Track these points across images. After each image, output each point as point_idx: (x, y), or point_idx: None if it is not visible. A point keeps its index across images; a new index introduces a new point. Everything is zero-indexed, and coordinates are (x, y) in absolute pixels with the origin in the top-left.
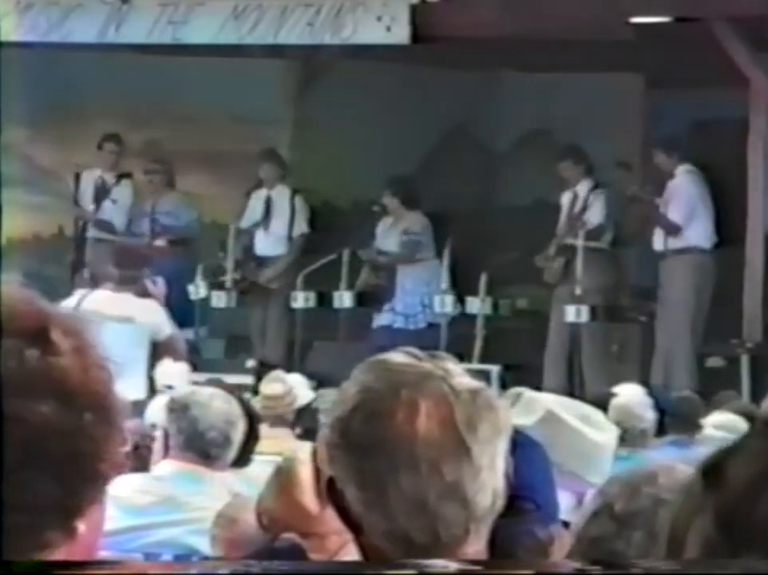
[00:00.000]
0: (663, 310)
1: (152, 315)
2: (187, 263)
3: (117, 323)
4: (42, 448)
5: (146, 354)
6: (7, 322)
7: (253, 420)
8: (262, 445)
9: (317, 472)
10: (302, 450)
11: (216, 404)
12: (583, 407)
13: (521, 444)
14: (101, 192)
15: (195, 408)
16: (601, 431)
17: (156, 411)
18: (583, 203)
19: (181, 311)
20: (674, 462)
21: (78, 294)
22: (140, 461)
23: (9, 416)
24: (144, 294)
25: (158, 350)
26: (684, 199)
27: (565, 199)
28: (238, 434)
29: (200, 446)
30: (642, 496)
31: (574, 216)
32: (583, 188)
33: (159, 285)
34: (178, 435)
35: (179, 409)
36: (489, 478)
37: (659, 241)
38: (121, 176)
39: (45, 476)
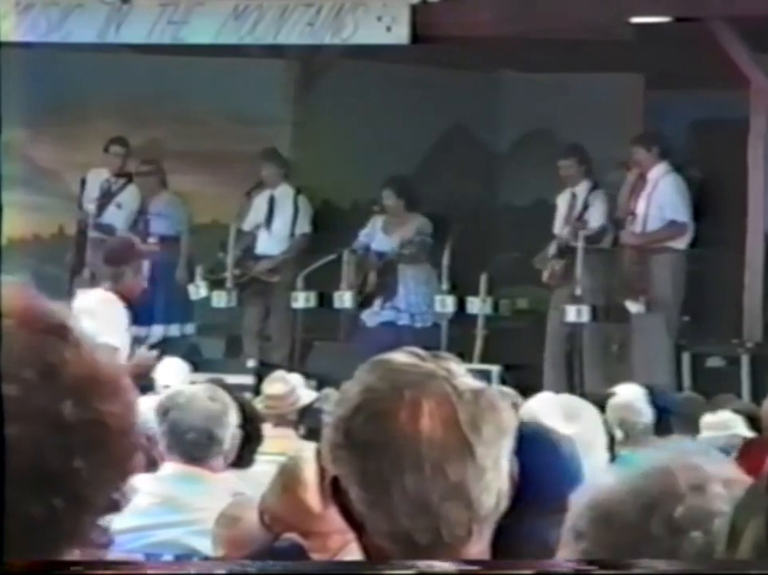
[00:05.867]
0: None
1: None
2: (176, 262)
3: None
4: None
5: None
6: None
7: (254, 420)
8: (265, 445)
9: (321, 471)
10: (307, 450)
11: (197, 404)
12: (558, 399)
13: (529, 437)
14: (106, 195)
15: (175, 411)
16: (566, 424)
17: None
18: (583, 204)
19: (180, 309)
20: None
21: (78, 294)
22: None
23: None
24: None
25: None
26: (660, 197)
27: (562, 199)
28: (226, 432)
29: (183, 448)
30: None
31: (575, 217)
32: (582, 188)
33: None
34: (163, 438)
35: (161, 412)
36: (494, 479)
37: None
38: (122, 176)
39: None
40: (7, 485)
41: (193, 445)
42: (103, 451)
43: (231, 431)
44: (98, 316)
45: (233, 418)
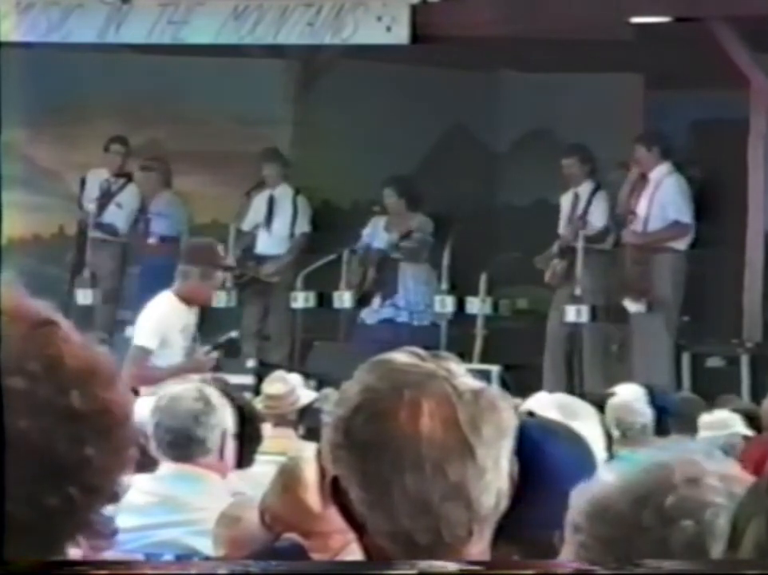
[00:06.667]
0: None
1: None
2: (176, 262)
3: None
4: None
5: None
6: (51, 368)
7: (254, 420)
8: (265, 444)
9: (321, 471)
10: (307, 450)
11: (180, 405)
12: (555, 399)
13: (530, 434)
14: (106, 195)
15: (157, 413)
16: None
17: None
18: (586, 204)
19: None
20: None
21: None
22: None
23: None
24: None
25: None
26: (663, 198)
27: (566, 200)
28: (208, 432)
29: (165, 449)
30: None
31: (577, 218)
32: (585, 189)
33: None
34: (151, 438)
35: (151, 413)
36: (494, 479)
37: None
38: (122, 176)
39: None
40: (23, 476)
41: (173, 445)
42: (108, 439)
43: (218, 431)
44: (151, 316)
45: (220, 417)
